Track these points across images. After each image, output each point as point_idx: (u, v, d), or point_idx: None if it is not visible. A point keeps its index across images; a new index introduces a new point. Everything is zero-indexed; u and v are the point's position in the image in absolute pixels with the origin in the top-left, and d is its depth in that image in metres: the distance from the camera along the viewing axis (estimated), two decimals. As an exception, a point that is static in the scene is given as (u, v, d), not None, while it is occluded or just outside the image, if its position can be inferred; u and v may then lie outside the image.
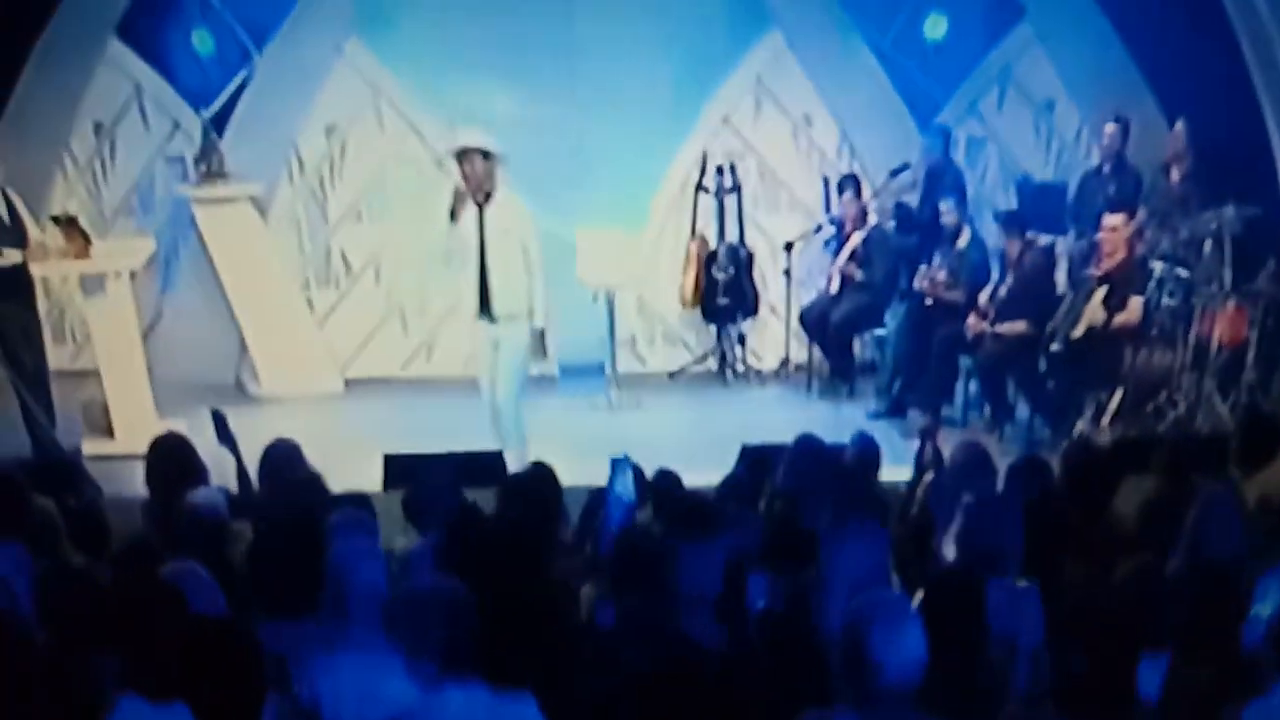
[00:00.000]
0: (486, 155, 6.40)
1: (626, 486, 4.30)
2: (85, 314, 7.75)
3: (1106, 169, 8.46)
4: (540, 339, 6.67)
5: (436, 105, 8.73)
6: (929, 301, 7.98)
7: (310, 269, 9.06)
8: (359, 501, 4.46)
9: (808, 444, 4.77)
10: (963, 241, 8.03)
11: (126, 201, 9.02)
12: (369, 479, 5.35)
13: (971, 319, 7.62)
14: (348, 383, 8.86)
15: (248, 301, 8.66)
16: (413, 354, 9.13)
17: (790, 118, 9.25)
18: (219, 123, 8.64)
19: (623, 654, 3.32)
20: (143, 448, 4.85)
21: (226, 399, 7.71)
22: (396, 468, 5.68)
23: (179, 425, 6.17)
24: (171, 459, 4.68)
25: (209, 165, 8.52)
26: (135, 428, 7.08)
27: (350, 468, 5.15)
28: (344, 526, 3.89)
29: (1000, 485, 4.19)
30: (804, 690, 3.07)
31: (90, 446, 7.21)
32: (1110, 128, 8.36)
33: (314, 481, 4.49)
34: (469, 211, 6.48)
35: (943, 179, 8.64)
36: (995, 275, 7.86)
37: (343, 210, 9.05)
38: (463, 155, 6.51)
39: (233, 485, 4.97)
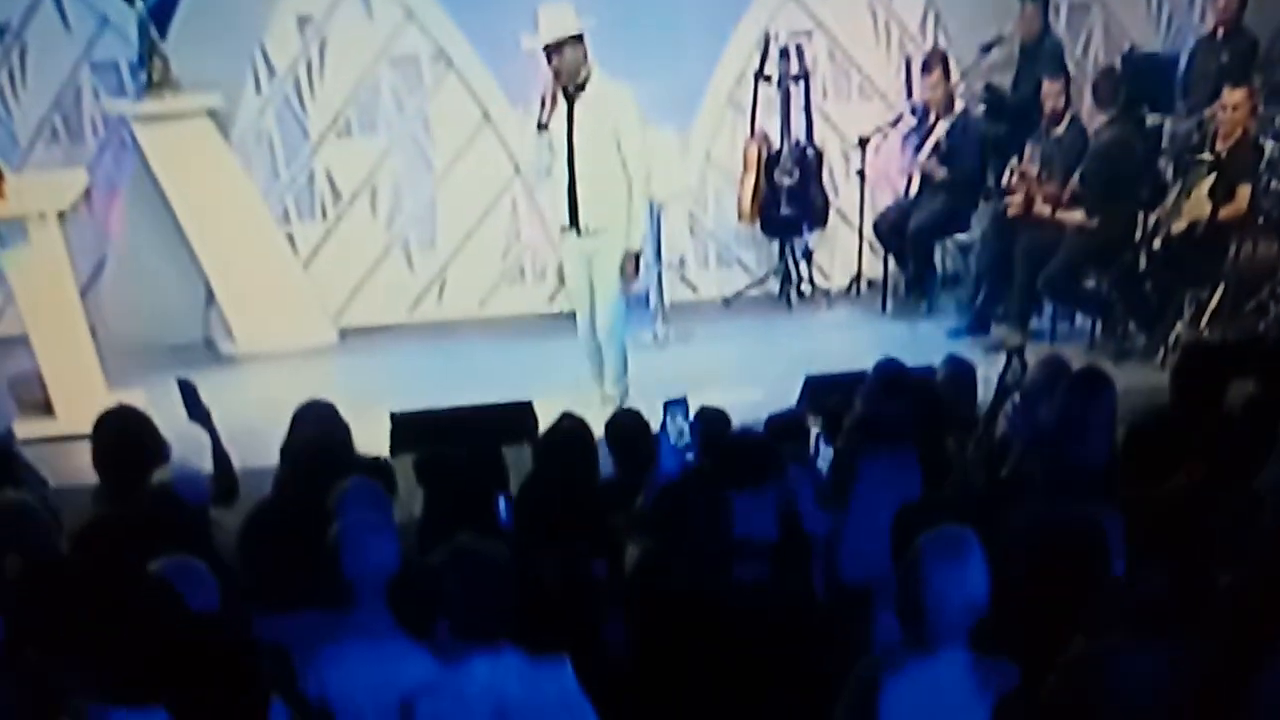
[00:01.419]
0: (578, 38, 6.79)
1: (681, 431, 4.61)
2: (4, 268, 7.54)
3: (1220, 34, 8.79)
4: (634, 260, 7.12)
5: None
6: (1018, 200, 8.37)
7: (289, 197, 9.25)
8: (374, 467, 4.75)
9: (888, 369, 5.15)
10: (1062, 128, 8.39)
11: (46, 124, 8.92)
12: (374, 443, 5.49)
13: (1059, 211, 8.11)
14: (343, 333, 9.11)
15: (212, 241, 8.77)
16: (421, 294, 9.43)
17: None
18: (160, 16, 8.49)
19: (668, 613, 3.77)
20: (90, 426, 4.89)
21: (195, 362, 8.03)
22: (406, 428, 5.97)
23: (135, 398, 6.23)
24: (125, 439, 4.70)
25: (151, 72, 8.34)
26: (80, 403, 6.96)
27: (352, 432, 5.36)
28: (351, 499, 4.17)
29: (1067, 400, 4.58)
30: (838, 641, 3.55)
31: (26, 428, 7.11)
32: None
33: (328, 448, 4.73)
34: (558, 109, 6.88)
35: (1040, 54, 8.99)
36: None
37: (326, 123, 9.19)
38: (553, 49, 6.77)
39: (207, 467, 5.13)
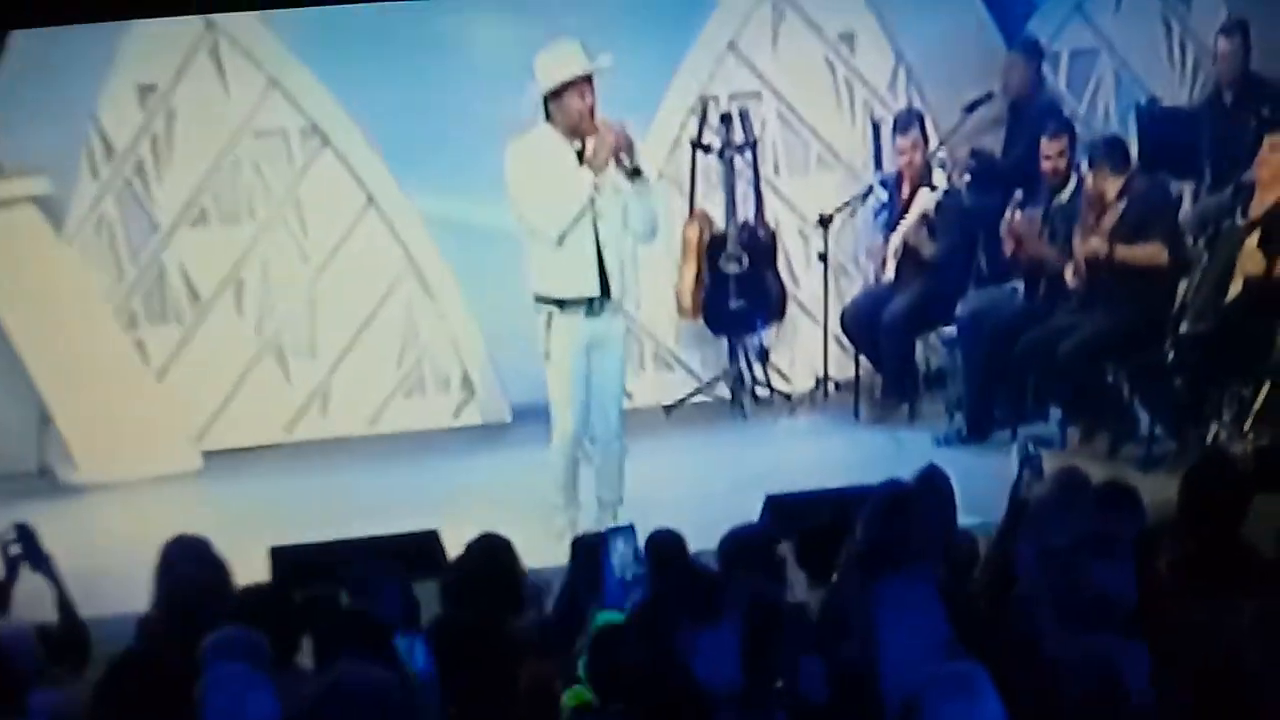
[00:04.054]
0: (589, 78, 7.04)
1: (628, 563, 4.74)
2: None
3: (1229, 97, 9.13)
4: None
5: (303, 36, 9.16)
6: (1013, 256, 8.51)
7: (137, 298, 9.29)
8: (256, 608, 4.82)
9: (896, 489, 5.25)
10: (1067, 194, 8.54)
11: None
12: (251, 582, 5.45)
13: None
14: (208, 456, 9.11)
15: (44, 352, 8.83)
16: (301, 410, 9.46)
17: (823, 38, 9.65)
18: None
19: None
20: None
21: (30, 494, 8.11)
22: (288, 565, 6.08)
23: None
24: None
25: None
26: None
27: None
28: (216, 650, 4.28)
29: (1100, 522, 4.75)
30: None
31: None
32: (1224, 44, 9.04)
33: (204, 590, 4.84)
34: (568, 161, 7.09)
35: (1034, 110, 9.18)
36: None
37: (179, 209, 9.28)
38: (561, 92, 7.09)
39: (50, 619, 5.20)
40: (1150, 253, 8.18)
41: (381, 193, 9.43)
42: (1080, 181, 8.52)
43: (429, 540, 6.09)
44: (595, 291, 7.12)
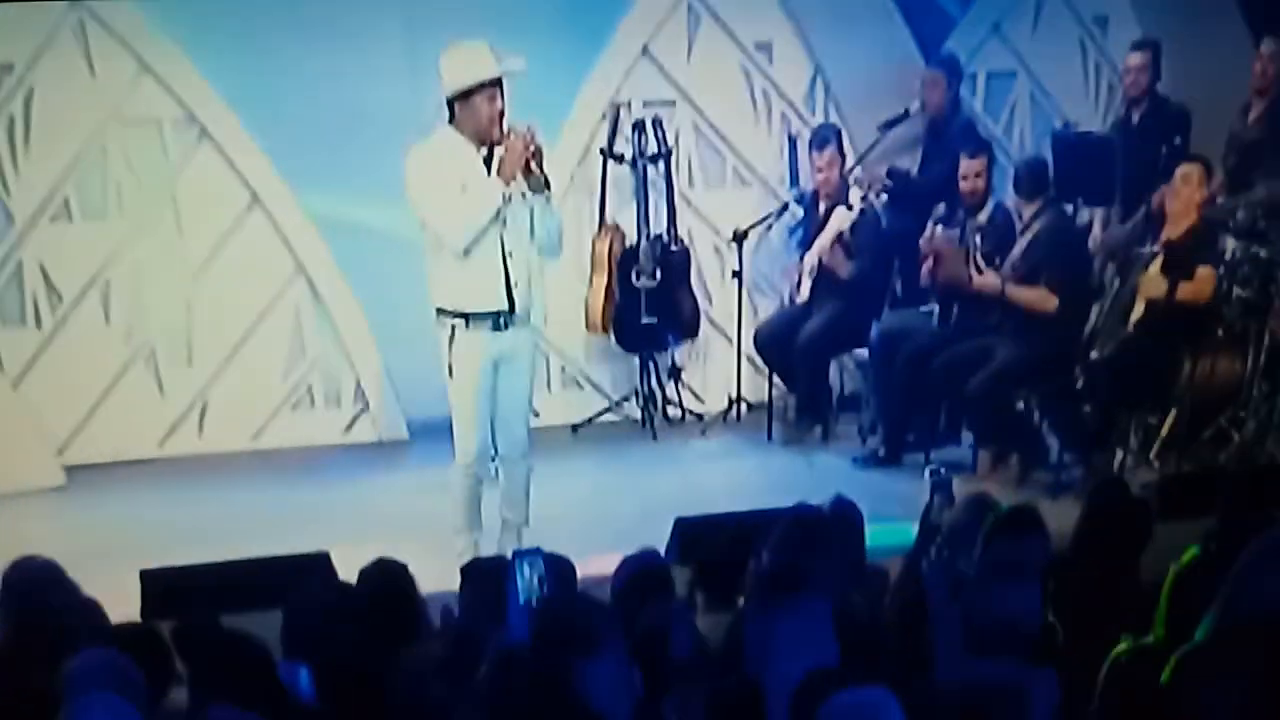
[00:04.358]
0: (499, 82, 6.92)
1: (534, 588, 4.67)
2: None
3: (1135, 116, 9.28)
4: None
5: (178, 17, 8.89)
6: (930, 274, 8.55)
7: None
8: (129, 637, 4.68)
9: (805, 513, 5.32)
10: (985, 215, 8.65)
11: None
12: (120, 609, 5.44)
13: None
14: (70, 471, 8.93)
15: None
16: (176, 422, 9.32)
17: (740, 46, 9.68)
18: None
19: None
20: None
21: None
22: (161, 589, 5.99)
23: None
24: None
25: None
26: None
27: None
28: (81, 679, 4.13)
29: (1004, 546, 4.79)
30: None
31: None
32: (1135, 59, 9.15)
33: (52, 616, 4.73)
34: (475, 168, 6.97)
35: (952, 129, 9.26)
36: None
37: (37, 204, 9.02)
38: (469, 95, 6.96)
39: None
40: (1039, 296, 8.32)
41: (267, 191, 9.23)
42: (999, 203, 8.64)
43: (319, 563, 5.98)
44: (502, 305, 7.03)
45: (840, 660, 4.06)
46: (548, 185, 7.02)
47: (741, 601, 5.12)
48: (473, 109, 6.94)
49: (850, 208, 9.09)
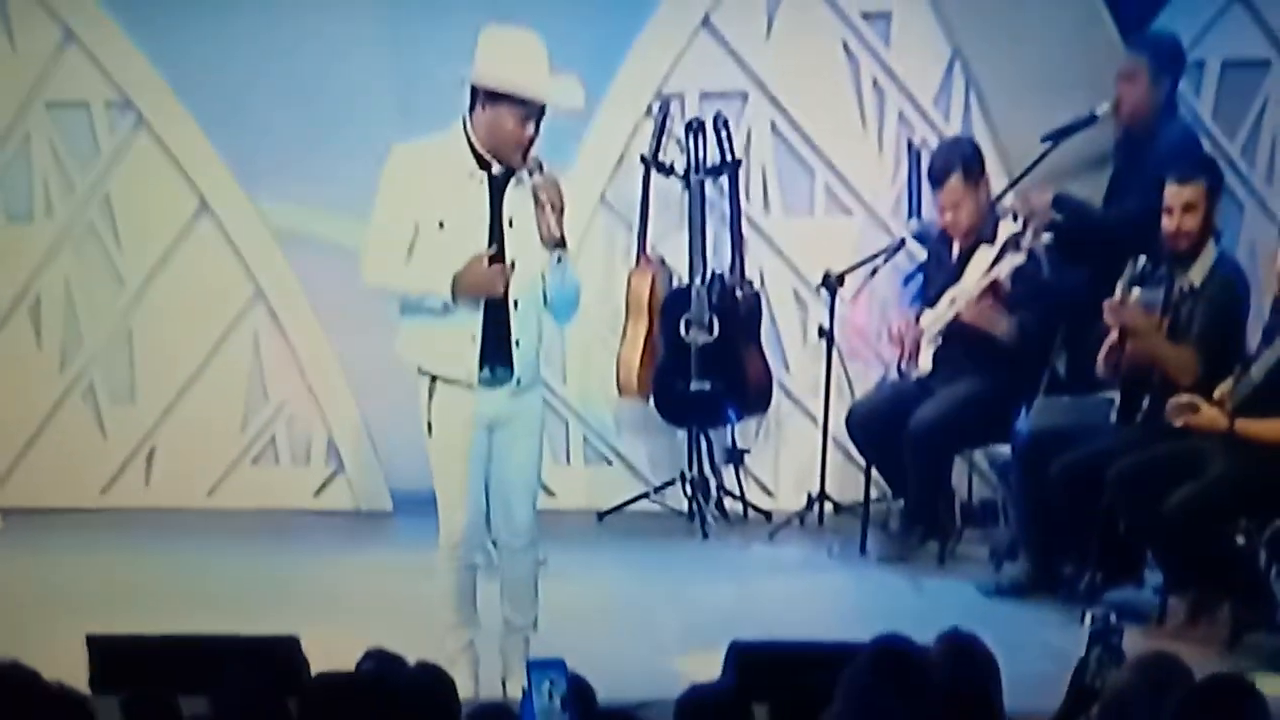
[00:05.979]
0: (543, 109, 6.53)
1: (553, 707, 4.55)
2: None
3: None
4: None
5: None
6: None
7: None
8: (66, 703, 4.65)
9: (890, 649, 4.65)
10: (1199, 271, 7.43)
11: None
12: (66, 674, 5.05)
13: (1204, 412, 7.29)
14: (4, 514, 8.72)
15: None
16: (120, 469, 9.01)
17: (842, 16, 8.69)
18: None
19: None
20: None
21: None
22: (110, 658, 5.79)
23: None
24: None
25: None
26: None
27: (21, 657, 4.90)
28: None
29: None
30: None
31: None
32: None
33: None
34: (473, 198, 6.55)
35: (1159, 146, 8.03)
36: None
37: None
38: (499, 99, 6.43)
39: None
40: None
41: (217, 194, 8.75)
42: (1223, 254, 7.54)
43: (287, 647, 5.57)
44: (488, 369, 6.49)
45: None
46: (563, 243, 6.46)
47: None
48: (497, 118, 6.35)
49: (1003, 252, 7.94)
